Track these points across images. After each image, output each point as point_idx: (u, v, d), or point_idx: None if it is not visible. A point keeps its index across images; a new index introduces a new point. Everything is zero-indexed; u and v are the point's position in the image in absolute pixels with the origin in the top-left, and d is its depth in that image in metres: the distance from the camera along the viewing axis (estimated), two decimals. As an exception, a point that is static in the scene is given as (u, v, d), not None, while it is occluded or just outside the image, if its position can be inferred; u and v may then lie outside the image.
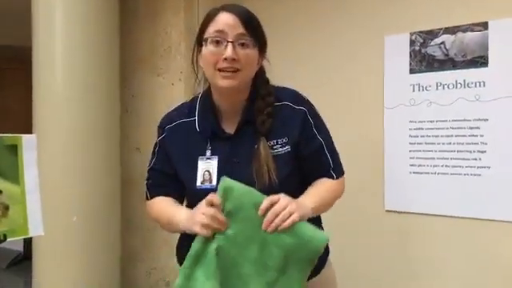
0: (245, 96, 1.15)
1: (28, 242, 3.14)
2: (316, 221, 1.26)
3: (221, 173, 1.09)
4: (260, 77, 1.17)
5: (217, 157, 1.12)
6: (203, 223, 1.00)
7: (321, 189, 1.15)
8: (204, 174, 1.12)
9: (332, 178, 1.17)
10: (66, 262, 2.05)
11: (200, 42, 1.12)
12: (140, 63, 2.48)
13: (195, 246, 1.05)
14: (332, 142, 1.20)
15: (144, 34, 2.47)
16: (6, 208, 1.09)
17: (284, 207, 1.00)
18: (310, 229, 1.02)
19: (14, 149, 1.10)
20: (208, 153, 1.13)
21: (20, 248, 3.89)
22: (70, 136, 2.04)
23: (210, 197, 1.02)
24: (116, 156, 2.26)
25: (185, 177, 1.16)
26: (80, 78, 2.05)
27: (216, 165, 1.11)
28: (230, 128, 1.15)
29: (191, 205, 1.17)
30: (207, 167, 1.12)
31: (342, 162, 1.21)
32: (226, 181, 1.03)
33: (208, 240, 1.04)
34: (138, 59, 2.49)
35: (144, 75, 2.47)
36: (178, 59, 2.40)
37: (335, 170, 1.18)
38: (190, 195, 1.18)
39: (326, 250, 1.25)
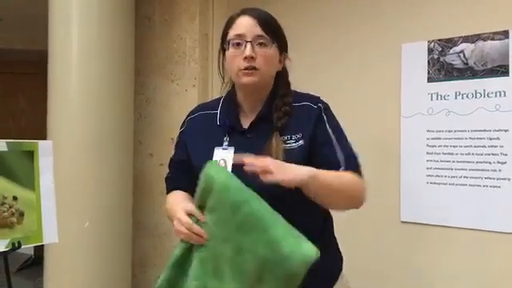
0: (265, 95, 1.19)
1: (39, 246, 3.15)
2: (326, 232, 1.24)
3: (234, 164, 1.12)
4: (282, 78, 1.22)
5: (233, 147, 1.16)
6: (181, 235, 1.05)
7: (332, 172, 1.11)
8: (219, 162, 1.15)
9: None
10: (77, 267, 2.05)
11: (223, 46, 1.19)
12: (155, 69, 2.49)
13: (176, 252, 1.06)
14: (346, 140, 1.18)
15: (159, 40, 2.48)
16: (22, 215, 1.08)
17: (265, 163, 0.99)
18: (290, 243, 0.93)
19: (30, 155, 1.10)
20: (225, 143, 1.17)
21: (30, 252, 3.91)
22: (84, 141, 2.05)
23: (187, 206, 1.07)
24: (129, 161, 2.26)
25: (199, 164, 1.16)
26: (95, 84, 2.06)
27: (232, 154, 1.14)
28: (247, 124, 1.19)
29: None
30: (223, 156, 1.15)
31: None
32: (210, 168, 1.04)
33: (189, 246, 1.05)
34: (153, 65, 2.49)
35: (158, 81, 2.47)
36: (192, 65, 2.40)
37: (347, 165, 1.13)
38: None
39: (339, 268, 1.23)
